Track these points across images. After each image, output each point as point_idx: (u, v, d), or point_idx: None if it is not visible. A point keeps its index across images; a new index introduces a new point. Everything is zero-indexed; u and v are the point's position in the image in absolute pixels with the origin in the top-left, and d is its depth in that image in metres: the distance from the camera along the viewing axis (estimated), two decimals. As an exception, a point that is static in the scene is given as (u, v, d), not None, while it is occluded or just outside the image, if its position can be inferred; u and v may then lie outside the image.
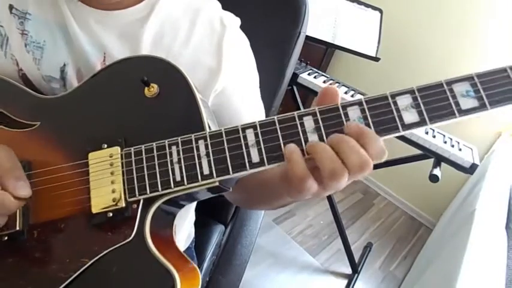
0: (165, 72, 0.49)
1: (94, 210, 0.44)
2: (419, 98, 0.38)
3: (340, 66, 2.66)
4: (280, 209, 2.00)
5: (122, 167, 0.45)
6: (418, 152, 1.55)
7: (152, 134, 0.45)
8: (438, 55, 2.14)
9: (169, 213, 0.49)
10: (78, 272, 0.42)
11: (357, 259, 1.91)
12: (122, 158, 0.45)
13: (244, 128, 0.41)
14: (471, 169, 1.39)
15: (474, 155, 1.44)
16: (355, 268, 1.88)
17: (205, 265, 0.82)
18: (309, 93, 1.67)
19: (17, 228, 0.45)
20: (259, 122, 0.41)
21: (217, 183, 0.42)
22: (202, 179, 0.42)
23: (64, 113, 0.51)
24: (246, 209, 0.85)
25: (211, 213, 0.92)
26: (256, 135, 0.41)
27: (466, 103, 0.37)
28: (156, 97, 0.48)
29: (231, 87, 0.61)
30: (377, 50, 1.70)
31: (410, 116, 0.38)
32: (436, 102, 0.38)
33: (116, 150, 0.46)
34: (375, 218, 2.39)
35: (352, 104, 0.39)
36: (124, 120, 0.49)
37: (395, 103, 0.39)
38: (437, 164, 1.42)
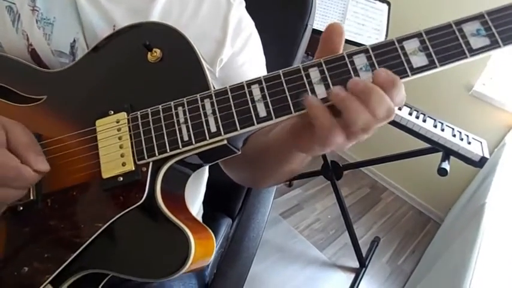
0: (167, 37, 0.50)
1: (104, 175, 0.45)
2: (427, 41, 0.37)
3: (347, 60, 2.64)
4: (288, 203, 1.99)
5: (129, 131, 0.45)
6: (426, 145, 1.54)
7: (157, 97, 0.45)
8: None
9: (180, 175, 0.49)
10: (93, 236, 0.43)
11: (364, 253, 1.91)
12: (128, 123, 0.46)
13: (250, 83, 0.41)
14: (480, 163, 1.37)
15: (484, 148, 1.43)
16: (363, 262, 1.88)
17: (212, 257, 0.82)
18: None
19: (31, 197, 0.46)
20: (263, 76, 0.41)
21: (225, 141, 0.42)
22: (210, 137, 0.42)
23: (70, 84, 0.52)
24: (256, 187, 0.85)
25: (219, 206, 0.92)
26: (261, 89, 0.41)
27: (477, 42, 0.37)
28: (159, 61, 0.49)
29: (236, 58, 0.62)
30: (385, 43, 1.68)
31: (418, 60, 0.37)
32: (445, 43, 0.37)
33: (123, 115, 0.46)
34: (383, 213, 2.38)
35: (358, 52, 0.39)
36: (129, 86, 0.49)
37: (402, 48, 0.38)
38: (446, 158, 1.41)
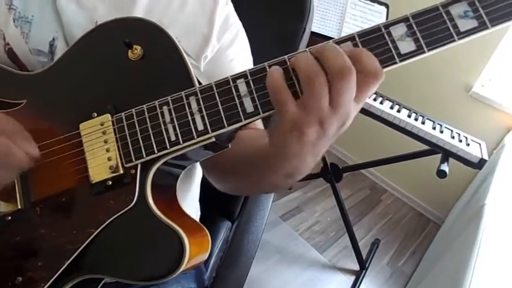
0: (147, 33, 0.48)
1: (93, 180, 0.44)
2: (414, 26, 0.37)
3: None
4: (288, 205, 1.99)
5: (115, 134, 0.44)
6: (425, 147, 1.54)
7: (141, 96, 0.44)
8: (444, 50, 2.11)
9: (170, 174, 0.48)
10: (86, 242, 0.43)
11: (364, 255, 1.91)
12: (113, 125, 0.45)
13: (235, 78, 0.40)
14: (479, 164, 1.38)
15: (483, 150, 1.43)
16: (363, 264, 1.87)
17: (212, 261, 0.82)
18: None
19: (19, 206, 0.45)
20: (249, 70, 0.40)
21: (213, 139, 0.41)
22: (197, 136, 0.41)
23: (50, 87, 0.50)
24: (240, 194, 0.84)
25: (218, 209, 0.92)
26: (247, 84, 0.40)
27: (465, 24, 0.36)
28: (140, 59, 0.47)
29: (225, 53, 0.62)
30: (383, 45, 1.68)
31: (406, 45, 0.37)
32: (433, 27, 0.37)
33: (107, 117, 0.45)
34: (383, 214, 2.38)
35: (344, 40, 0.38)
36: (111, 86, 0.48)
37: (389, 34, 0.37)
38: (444, 160, 1.42)
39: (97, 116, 0.46)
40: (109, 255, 0.44)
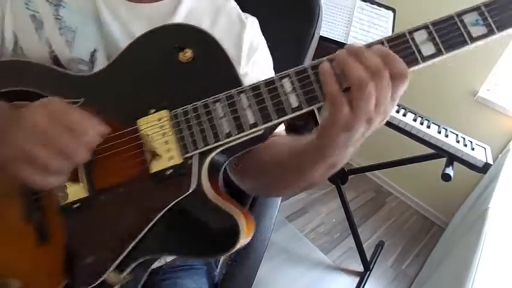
0: (196, 37, 0.53)
1: (153, 170, 0.49)
2: (434, 32, 0.44)
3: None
4: (293, 206, 2.00)
5: (173, 128, 0.49)
6: (430, 151, 1.56)
7: (192, 95, 0.49)
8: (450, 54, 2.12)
9: (219, 163, 0.53)
10: (150, 225, 0.47)
11: (368, 257, 1.92)
12: (170, 120, 0.49)
13: (280, 77, 0.46)
14: (484, 168, 1.39)
15: (487, 154, 1.45)
16: (367, 266, 1.89)
17: (221, 258, 0.85)
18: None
19: (86, 195, 0.49)
20: (293, 70, 0.46)
21: (262, 131, 0.47)
22: (249, 128, 0.47)
23: (105, 87, 0.55)
24: (266, 195, 0.87)
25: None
26: (292, 83, 0.45)
27: (477, 31, 0.43)
28: (191, 61, 0.52)
29: (248, 78, 0.64)
30: (390, 50, 1.69)
31: (427, 49, 0.44)
32: (449, 33, 0.43)
33: (164, 113, 0.50)
34: (387, 217, 2.39)
35: (374, 44, 0.44)
36: (164, 85, 0.52)
37: (413, 39, 0.44)
38: (449, 163, 1.43)
39: (154, 112, 0.50)
40: (170, 236, 0.48)
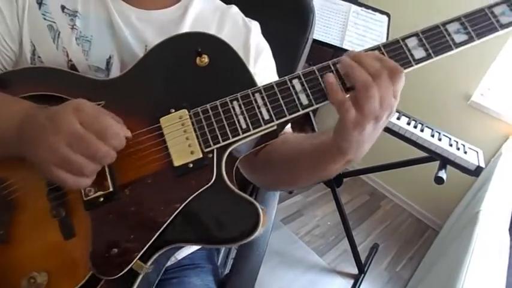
0: (212, 44, 0.58)
1: (176, 163, 0.52)
2: (423, 39, 0.51)
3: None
4: (289, 209, 2.00)
5: (193, 125, 0.53)
6: (424, 154, 1.57)
7: (210, 95, 0.53)
8: (445, 58, 2.15)
9: (234, 158, 0.58)
10: (173, 216, 0.50)
11: (363, 260, 1.93)
12: (191, 118, 0.53)
13: (291, 78, 0.52)
14: (476, 172, 1.41)
15: (480, 158, 1.46)
16: (362, 268, 1.90)
17: (221, 255, 0.90)
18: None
19: (110, 189, 0.52)
20: (301, 72, 0.52)
21: (275, 127, 0.52)
22: (264, 124, 0.52)
23: (126, 89, 0.58)
24: (274, 188, 0.88)
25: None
26: (301, 83, 0.51)
27: (460, 38, 0.51)
28: (207, 66, 0.56)
29: (257, 79, 0.67)
30: (384, 54, 1.71)
31: (418, 53, 0.50)
32: (437, 40, 0.51)
33: (184, 112, 0.53)
34: (382, 220, 2.41)
35: (372, 49, 0.51)
36: (183, 88, 0.57)
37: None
38: (442, 167, 1.44)
39: (175, 112, 0.54)
40: (193, 225, 0.51)
